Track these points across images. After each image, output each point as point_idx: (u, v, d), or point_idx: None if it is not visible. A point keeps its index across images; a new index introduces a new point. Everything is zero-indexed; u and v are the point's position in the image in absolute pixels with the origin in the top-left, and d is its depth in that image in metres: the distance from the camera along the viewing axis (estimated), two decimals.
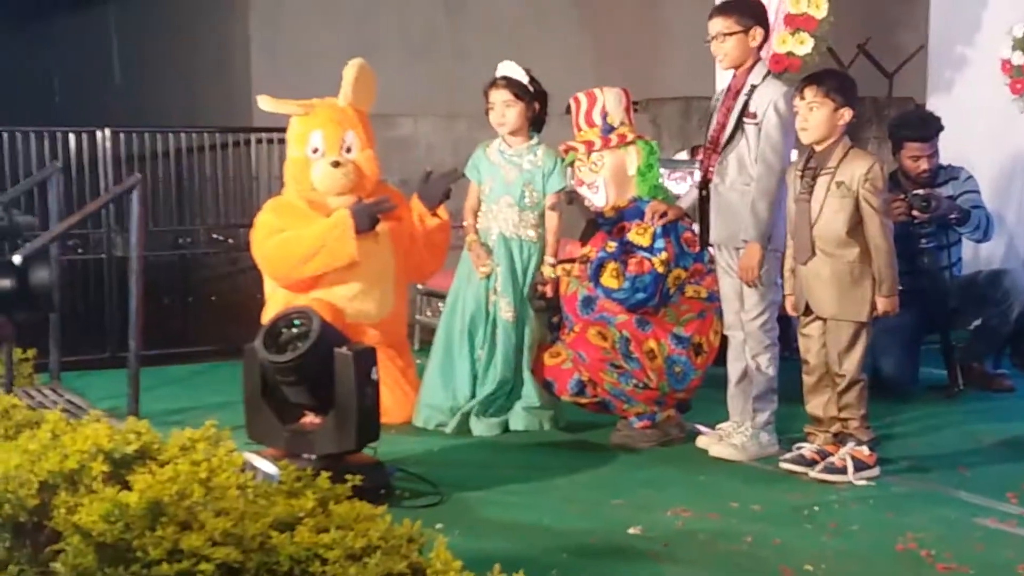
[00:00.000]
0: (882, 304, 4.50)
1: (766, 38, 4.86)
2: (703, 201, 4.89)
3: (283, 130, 5.73)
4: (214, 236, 8.02)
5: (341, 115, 5.52)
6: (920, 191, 5.86)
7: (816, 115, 4.52)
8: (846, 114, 4.53)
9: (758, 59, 4.84)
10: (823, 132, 4.53)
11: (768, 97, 4.70)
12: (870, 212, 4.46)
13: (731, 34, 4.77)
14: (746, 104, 4.73)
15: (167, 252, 8.04)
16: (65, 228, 4.88)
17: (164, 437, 3.60)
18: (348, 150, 5.51)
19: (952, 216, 5.91)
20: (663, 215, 4.94)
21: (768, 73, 4.84)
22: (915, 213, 5.81)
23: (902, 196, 5.84)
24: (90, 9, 12.27)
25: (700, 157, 5.09)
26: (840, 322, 4.53)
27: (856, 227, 4.49)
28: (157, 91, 11.08)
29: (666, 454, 4.94)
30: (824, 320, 4.58)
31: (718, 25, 4.80)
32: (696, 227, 4.99)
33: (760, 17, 4.84)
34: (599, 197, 5.07)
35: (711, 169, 4.84)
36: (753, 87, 4.75)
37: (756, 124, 4.71)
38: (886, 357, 5.95)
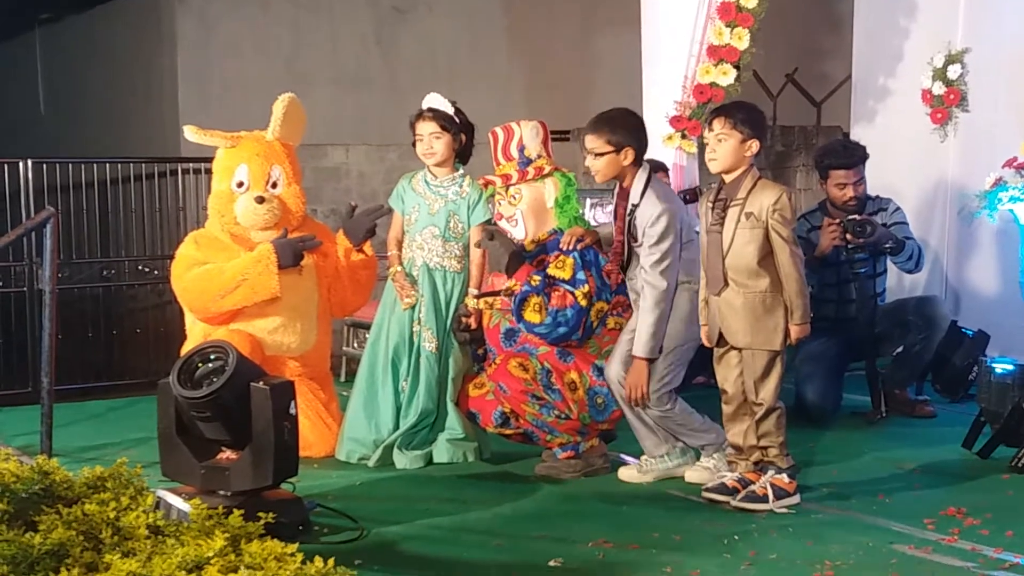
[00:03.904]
0: (795, 331, 4.54)
1: (640, 154, 4.85)
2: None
3: (211, 160, 5.67)
4: (140, 268, 7.92)
5: (268, 149, 5.48)
6: (856, 216, 5.92)
7: (724, 146, 4.57)
8: (754, 145, 4.57)
9: (640, 169, 4.83)
10: (730, 163, 4.57)
11: (645, 219, 4.73)
12: (779, 242, 4.50)
13: (602, 153, 4.79)
14: (631, 226, 4.78)
15: (91, 284, 7.92)
16: None
17: (77, 475, 3.55)
18: (274, 185, 5.47)
19: (887, 244, 5.97)
20: (580, 239, 4.96)
21: (648, 183, 4.79)
22: (849, 237, 5.87)
23: (837, 221, 5.90)
24: (14, 39, 12.12)
25: None
26: (755, 351, 4.56)
27: (767, 257, 4.52)
28: (84, 121, 10.97)
29: (590, 484, 4.93)
30: (740, 349, 4.61)
31: (591, 143, 4.83)
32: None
33: (631, 135, 4.83)
34: (518, 230, 5.08)
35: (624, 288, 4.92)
36: (634, 207, 4.78)
37: (640, 246, 4.77)
38: (810, 384, 6.01)
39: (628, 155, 4.81)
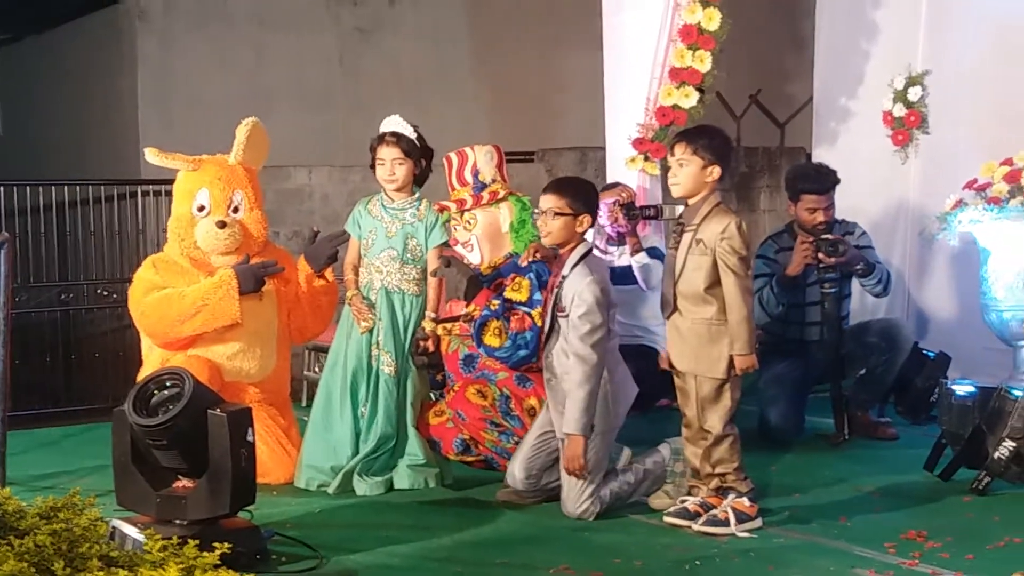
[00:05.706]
0: (739, 362, 4.48)
1: (592, 223, 4.81)
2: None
3: (171, 183, 5.62)
4: (99, 291, 7.85)
5: (230, 174, 5.43)
6: (829, 235, 5.94)
7: (685, 172, 4.56)
8: (715, 171, 4.55)
9: (581, 242, 4.78)
10: (691, 188, 4.57)
11: (573, 289, 4.66)
12: (725, 270, 4.47)
13: (561, 214, 4.72)
14: (558, 297, 4.72)
15: (49, 308, 7.83)
16: None
17: (30, 504, 3.49)
18: (235, 210, 5.42)
19: (858, 266, 5.99)
20: (536, 252, 4.90)
21: (584, 256, 4.73)
22: (821, 256, 5.88)
23: (811, 239, 5.91)
24: None
25: None
26: (701, 378, 4.55)
27: (714, 284, 4.50)
28: (43, 143, 10.89)
29: (552, 510, 4.89)
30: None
31: (549, 202, 4.76)
32: None
33: (591, 204, 4.79)
34: (474, 255, 5.07)
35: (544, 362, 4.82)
36: (563, 279, 4.72)
37: (565, 317, 4.69)
38: (773, 406, 6.01)
39: (584, 222, 4.74)
